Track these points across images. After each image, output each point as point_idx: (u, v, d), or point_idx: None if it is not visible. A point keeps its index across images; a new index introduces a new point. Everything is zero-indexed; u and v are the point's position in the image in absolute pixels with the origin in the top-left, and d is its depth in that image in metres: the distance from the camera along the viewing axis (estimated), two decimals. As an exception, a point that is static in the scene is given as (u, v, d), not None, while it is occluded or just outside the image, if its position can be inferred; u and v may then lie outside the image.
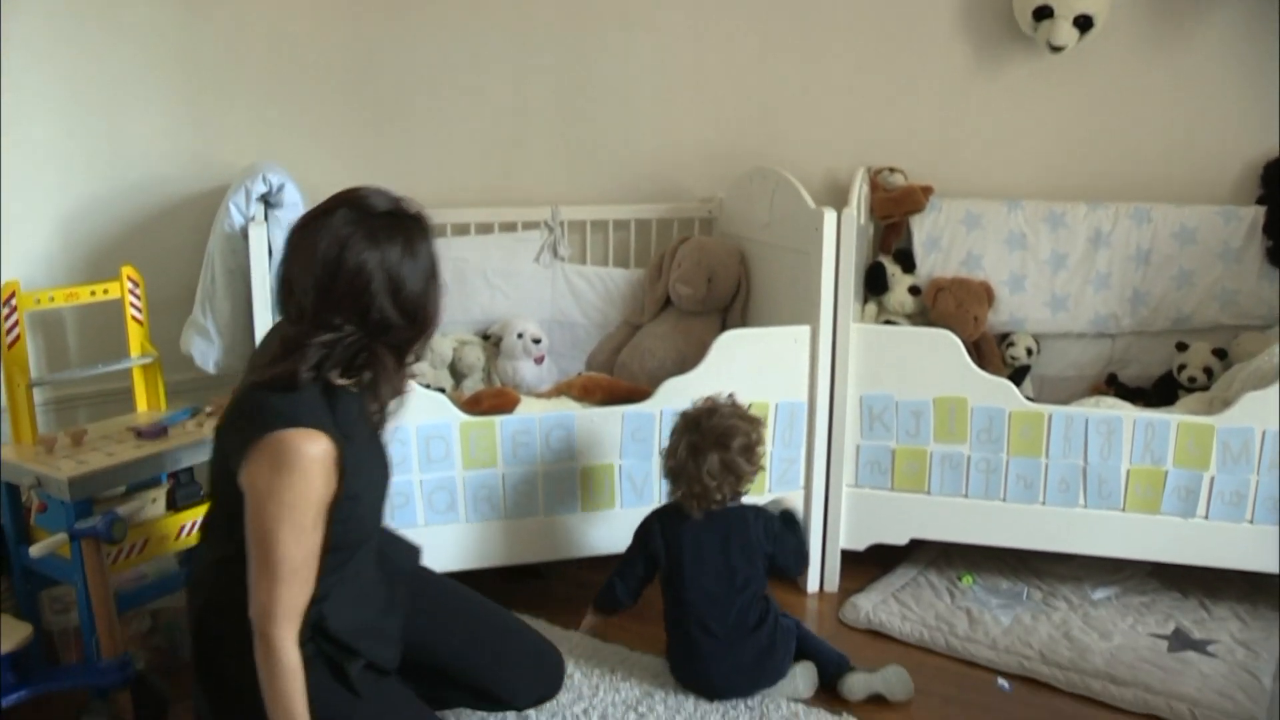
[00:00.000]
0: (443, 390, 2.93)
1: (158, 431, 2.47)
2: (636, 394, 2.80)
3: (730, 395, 2.49)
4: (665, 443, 2.51)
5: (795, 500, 2.78)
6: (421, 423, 2.54)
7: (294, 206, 2.55)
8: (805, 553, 2.64)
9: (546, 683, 2.24)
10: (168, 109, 3.01)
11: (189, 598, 1.98)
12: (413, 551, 2.22)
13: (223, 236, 2.54)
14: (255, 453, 1.72)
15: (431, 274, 1.84)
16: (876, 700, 2.43)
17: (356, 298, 1.74)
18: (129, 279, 2.67)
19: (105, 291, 2.65)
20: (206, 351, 2.63)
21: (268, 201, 2.54)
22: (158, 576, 2.51)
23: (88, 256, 2.93)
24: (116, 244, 2.96)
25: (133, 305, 2.68)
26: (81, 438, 2.43)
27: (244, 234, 2.48)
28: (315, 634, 1.83)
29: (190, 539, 2.50)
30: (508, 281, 3.46)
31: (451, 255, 3.41)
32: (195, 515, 2.50)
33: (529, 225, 3.50)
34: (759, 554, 2.46)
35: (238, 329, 2.59)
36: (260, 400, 1.77)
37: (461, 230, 3.45)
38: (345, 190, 1.82)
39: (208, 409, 2.61)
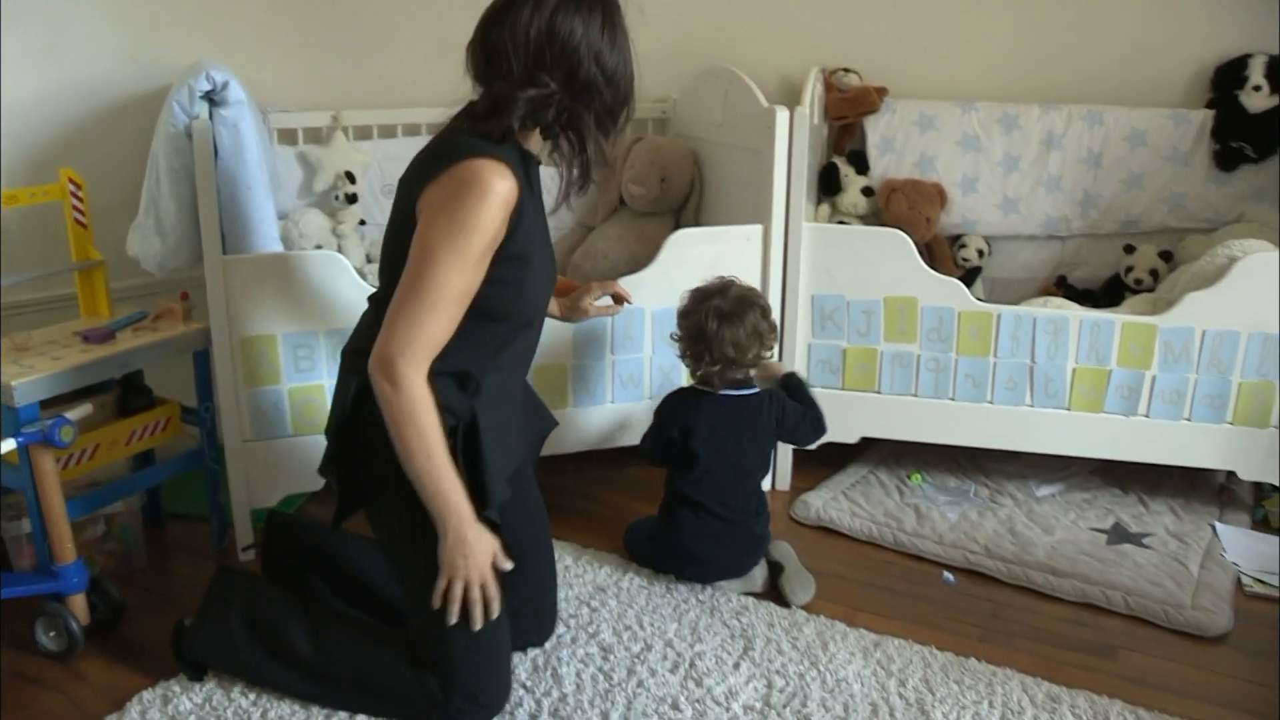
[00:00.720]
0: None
1: (105, 336, 2.44)
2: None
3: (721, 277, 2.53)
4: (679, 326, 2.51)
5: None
6: (372, 325, 2.53)
7: (239, 104, 2.50)
8: (820, 419, 2.60)
9: (540, 632, 2.25)
10: (106, 5, 2.91)
11: (342, 370, 1.99)
12: (550, 420, 2.30)
13: (166, 137, 2.49)
14: (442, 177, 1.79)
15: (627, 48, 1.90)
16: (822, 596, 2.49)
17: (567, 57, 1.81)
18: (70, 181, 2.61)
19: (45, 194, 2.59)
20: (152, 254, 2.59)
21: (212, 100, 2.49)
22: (110, 482, 2.51)
23: (27, 161, 2.86)
24: (56, 147, 2.88)
25: (75, 209, 2.62)
26: (26, 344, 2.40)
27: (188, 133, 2.43)
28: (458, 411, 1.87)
29: (140, 444, 2.50)
30: (459, 182, 3.42)
31: (403, 156, 3.32)
32: (146, 420, 2.50)
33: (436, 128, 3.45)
34: (769, 440, 2.53)
35: (184, 230, 2.55)
36: (457, 139, 1.84)
37: (413, 131, 3.39)
38: None
39: (154, 312, 2.58)
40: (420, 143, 3.28)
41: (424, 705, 1.95)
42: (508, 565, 1.92)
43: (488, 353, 1.93)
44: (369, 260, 3.21)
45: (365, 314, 2.03)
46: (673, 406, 2.51)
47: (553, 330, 2.69)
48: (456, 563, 1.84)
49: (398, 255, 1.84)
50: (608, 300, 2.56)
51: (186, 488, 2.86)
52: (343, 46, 3.34)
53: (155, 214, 2.56)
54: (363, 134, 3.35)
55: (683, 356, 2.52)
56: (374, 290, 2.04)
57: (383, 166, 3.32)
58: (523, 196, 1.83)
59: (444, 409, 1.83)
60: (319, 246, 3.04)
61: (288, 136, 3.23)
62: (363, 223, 3.28)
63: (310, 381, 2.53)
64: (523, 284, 1.91)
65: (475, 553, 1.85)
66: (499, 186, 1.77)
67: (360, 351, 1.88)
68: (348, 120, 3.28)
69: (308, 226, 3.07)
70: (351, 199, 3.19)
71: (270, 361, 2.49)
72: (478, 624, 1.88)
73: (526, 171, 1.89)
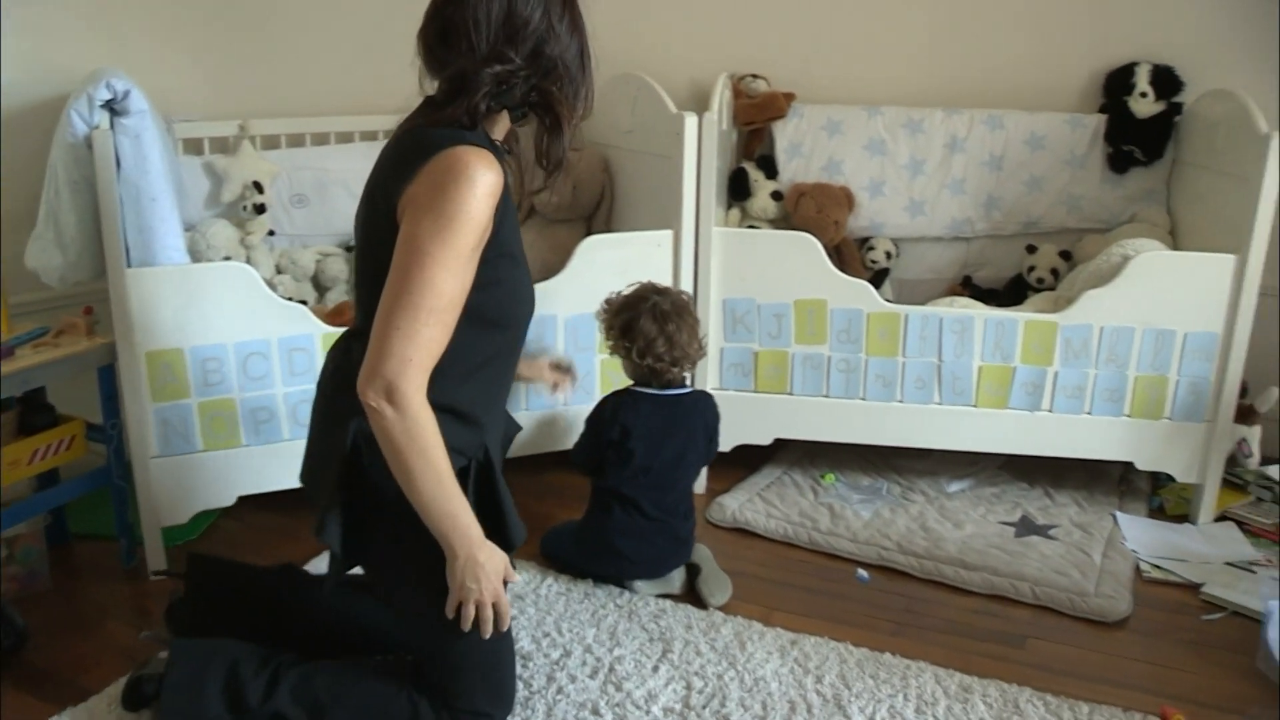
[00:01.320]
0: (305, 303, 2.89)
1: (4, 353, 2.38)
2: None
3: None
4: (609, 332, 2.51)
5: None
6: (284, 335, 2.51)
7: (141, 114, 2.45)
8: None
9: None
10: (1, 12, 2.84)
11: (320, 387, 1.91)
12: (514, 424, 2.20)
13: (65, 147, 2.43)
14: (422, 173, 1.66)
15: (585, 38, 1.83)
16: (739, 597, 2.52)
17: (530, 34, 1.72)
18: (-36, 194, 2.55)
19: (-61, 207, 2.53)
20: (53, 267, 2.53)
21: (113, 109, 2.44)
22: (12, 503, 2.44)
23: (-82, 171, 2.78)
24: (-52, 158, 2.81)
25: (-31, 222, 2.56)
26: (-79, 361, 2.33)
27: (88, 143, 2.38)
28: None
29: (43, 464, 2.44)
30: (370, 192, 3.40)
31: (312, 166, 3.34)
32: (49, 439, 2.44)
33: (390, 134, 3.42)
34: (704, 441, 2.56)
35: (86, 242, 2.49)
36: (424, 134, 1.71)
37: (321, 140, 3.37)
38: None
39: (57, 328, 2.53)
40: (329, 154, 3.33)
41: None
42: (517, 579, 1.91)
43: (482, 368, 1.83)
44: (278, 271, 3.17)
45: (345, 351, 1.87)
46: (612, 408, 2.51)
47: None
48: (469, 585, 1.76)
49: (379, 273, 1.69)
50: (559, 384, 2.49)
51: (93, 507, 2.80)
52: (249, 54, 3.30)
53: (55, 226, 2.50)
54: (270, 143, 3.31)
55: (623, 355, 2.51)
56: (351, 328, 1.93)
57: (291, 176, 3.29)
58: (507, 186, 1.74)
59: (451, 450, 1.72)
60: (227, 258, 3.00)
61: (193, 146, 3.18)
62: (272, 233, 3.24)
63: (220, 396, 2.49)
64: (516, 283, 1.82)
65: (488, 573, 1.77)
66: (485, 175, 1.65)
67: (340, 367, 1.81)
68: (255, 129, 3.24)
69: (215, 238, 3.03)
70: (260, 209, 3.14)
71: (178, 376, 2.45)
72: (487, 635, 1.81)
73: (501, 161, 1.77)
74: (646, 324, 2.44)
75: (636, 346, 2.46)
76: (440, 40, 1.74)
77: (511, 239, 1.80)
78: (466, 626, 1.79)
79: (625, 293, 2.52)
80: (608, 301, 2.53)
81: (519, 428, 2.27)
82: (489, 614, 1.79)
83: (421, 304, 1.62)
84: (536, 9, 1.73)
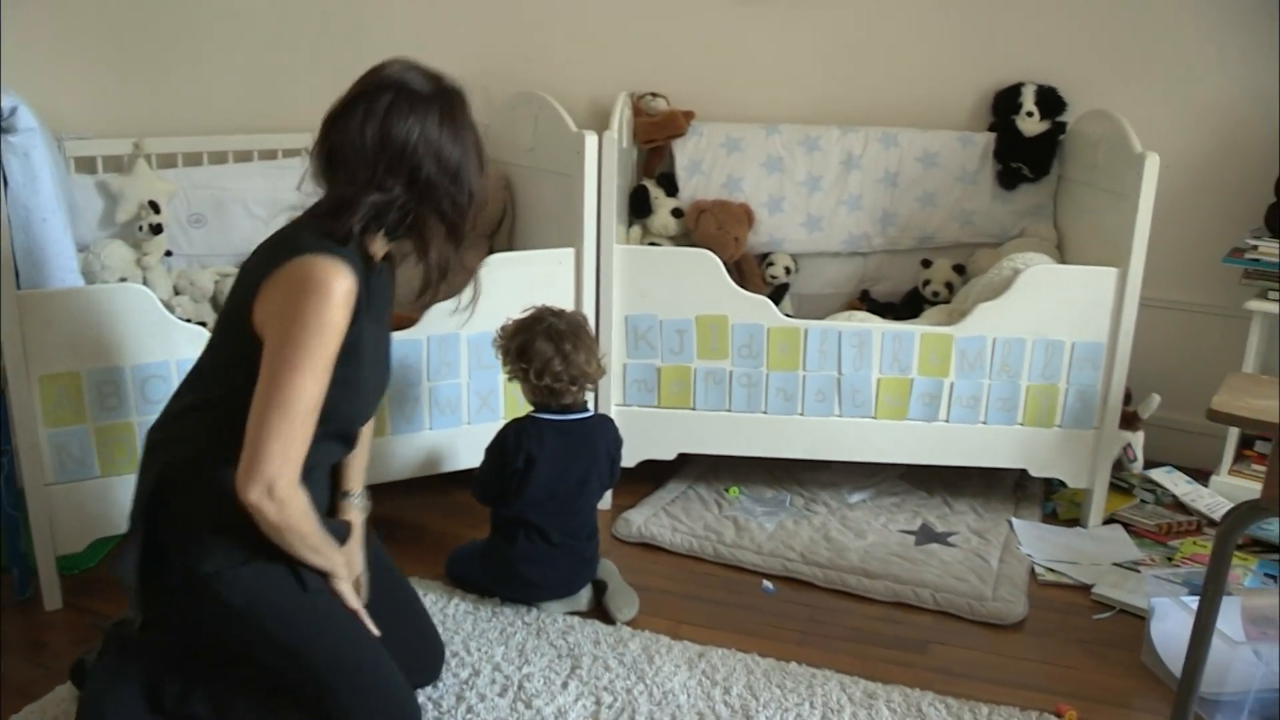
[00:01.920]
0: (204, 324, 2.83)
1: (-114, 379, 2.30)
2: (402, 322, 2.79)
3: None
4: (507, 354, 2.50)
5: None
6: (182, 358, 2.45)
7: (30, 131, 2.40)
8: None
9: (427, 671, 2.21)
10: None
11: (145, 458, 1.92)
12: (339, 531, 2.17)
13: (-50, 166, 2.37)
14: (283, 275, 1.76)
15: (470, 140, 1.89)
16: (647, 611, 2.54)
17: (406, 159, 1.79)
18: None
19: None
20: (-62, 291, 2.46)
21: (0, 127, 2.38)
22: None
23: None
24: None
25: None
26: None
27: (-26, 163, 2.32)
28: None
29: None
30: (269, 211, 3.36)
31: (210, 185, 3.29)
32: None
33: (289, 153, 3.41)
34: (606, 464, 2.56)
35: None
36: (299, 234, 1.81)
37: (219, 159, 3.32)
38: (382, 65, 1.86)
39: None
40: (227, 173, 3.29)
41: None
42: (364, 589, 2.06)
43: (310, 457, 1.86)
44: (176, 292, 3.11)
45: (179, 396, 1.95)
46: (515, 436, 2.47)
47: (370, 358, 2.67)
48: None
49: (230, 338, 1.82)
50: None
51: (-18, 537, 2.72)
52: (143, 71, 3.25)
53: (-60, 248, 2.44)
54: (167, 162, 3.26)
55: (520, 378, 2.50)
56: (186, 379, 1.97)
57: (189, 195, 3.24)
58: (359, 297, 1.81)
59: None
60: (123, 279, 2.94)
61: (86, 165, 3.12)
62: (169, 253, 3.18)
63: (117, 420, 2.43)
64: (357, 383, 1.89)
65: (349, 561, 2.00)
66: (338, 285, 1.75)
67: (172, 441, 1.86)
68: (150, 148, 3.19)
69: (110, 258, 2.97)
70: (156, 229, 3.09)
71: (73, 400, 2.39)
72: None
73: (367, 276, 1.87)
74: (542, 345, 2.43)
75: (534, 368, 2.45)
76: (327, 163, 1.84)
77: (358, 342, 1.85)
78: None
79: (520, 316, 2.52)
80: (503, 328, 2.53)
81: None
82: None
83: (292, 408, 1.73)
84: (414, 128, 1.80)
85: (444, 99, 1.85)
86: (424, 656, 2.21)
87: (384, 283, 2.00)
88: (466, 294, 2.06)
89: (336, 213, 1.81)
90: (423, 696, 2.15)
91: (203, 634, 1.92)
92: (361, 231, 1.82)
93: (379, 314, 1.97)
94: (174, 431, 1.90)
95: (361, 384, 1.92)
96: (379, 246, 1.91)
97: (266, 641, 1.87)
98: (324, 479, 2.07)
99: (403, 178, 1.81)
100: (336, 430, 1.93)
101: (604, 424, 2.61)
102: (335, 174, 1.82)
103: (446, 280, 1.96)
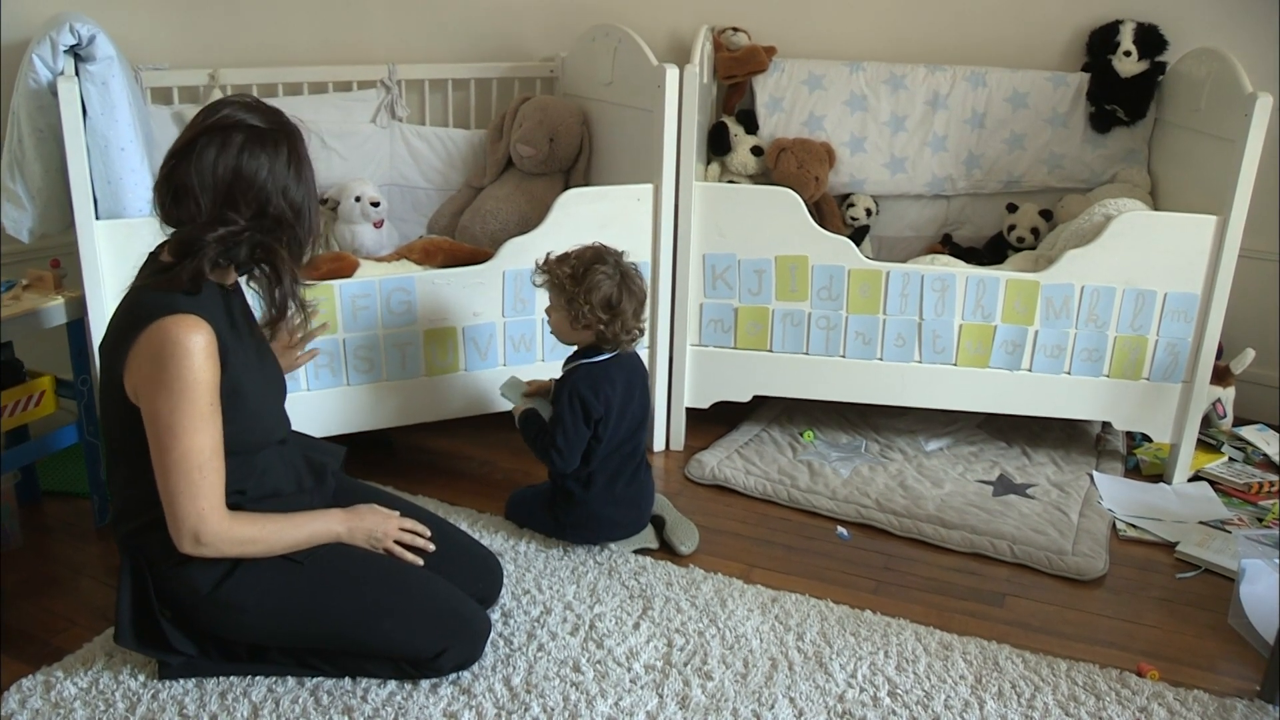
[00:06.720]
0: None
1: (-30, 305, 2.33)
2: (479, 256, 2.77)
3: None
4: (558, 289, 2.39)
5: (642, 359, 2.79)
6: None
7: (108, 60, 2.38)
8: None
9: (484, 579, 2.23)
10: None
11: (115, 528, 1.99)
12: (335, 452, 2.25)
13: (28, 94, 2.36)
14: (141, 345, 1.76)
15: (310, 179, 1.90)
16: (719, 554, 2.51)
17: (255, 194, 1.80)
18: (-73, 141, 2.48)
19: (-100, 155, 2.46)
20: (19, 219, 2.46)
21: (78, 55, 2.37)
22: (-20, 455, 2.40)
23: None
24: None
25: (-68, 171, 2.49)
26: (-114, 312, 2.28)
27: (52, 90, 2.31)
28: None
29: (12, 421, 2.40)
30: (344, 143, 3.35)
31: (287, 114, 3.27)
32: (17, 395, 2.40)
33: (365, 84, 3.38)
34: (645, 399, 2.53)
35: (52, 193, 2.43)
36: (143, 299, 1.81)
37: (294, 90, 3.30)
38: (220, 103, 1.87)
39: (24, 281, 2.47)
40: (301, 104, 3.27)
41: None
42: (396, 512, 2.10)
43: (244, 480, 1.92)
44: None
45: (114, 466, 1.96)
46: (591, 386, 2.39)
47: (445, 291, 2.66)
48: (371, 543, 2.03)
49: (116, 411, 1.85)
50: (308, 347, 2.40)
51: (65, 464, 2.76)
52: (219, 1, 3.22)
53: (20, 177, 2.44)
54: (242, 93, 3.24)
55: (590, 319, 2.36)
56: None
57: (263, 126, 3.22)
58: (223, 337, 1.82)
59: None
60: (198, 209, 2.93)
61: (162, 95, 3.11)
62: (244, 185, 3.17)
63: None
64: (246, 416, 1.89)
65: (370, 521, 2.04)
66: (195, 342, 1.76)
67: (137, 532, 1.91)
68: (225, 79, 3.17)
69: (186, 189, 2.96)
70: (231, 160, 3.08)
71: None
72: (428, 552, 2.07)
73: (226, 305, 1.88)
74: (614, 295, 2.34)
75: (606, 316, 2.35)
76: (173, 200, 1.82)
77: (237, 378, 1.86)
78: (407, 556, 2.05)
79: (570, 250, 2.41)
80: (547, 255, 2.42)
81: (340, 451, 2.27)
82: (406, 538, 2.06)
83: (187, 466, 1.77)
84: (264, 166, 1.80)
85: (290, 138, 1.86)
86: (474, 567, 2.22)
87: (242, 299, 1.98)
88: (296, 317, 2.01)
89: (183, 255, 1.80)
90: (493, 633, 2.15)
91: (254, 637, 1.99)
92: (212, 269, 1.82)
93: (249, 332, 1.95)
94: (121, 506, 1.95)
95: (257, 413, 1.93)
96: (230, 276, 1.92)
97: (304, 617, 1.94)
98: (290, 475, 2.05)
99: (251, 210, 1.80)
100: (258, 444, 1.95)
101: (637, 358, 2.54)
102: (182, 211, 1.81)
103: (298, 309, 1.94)
